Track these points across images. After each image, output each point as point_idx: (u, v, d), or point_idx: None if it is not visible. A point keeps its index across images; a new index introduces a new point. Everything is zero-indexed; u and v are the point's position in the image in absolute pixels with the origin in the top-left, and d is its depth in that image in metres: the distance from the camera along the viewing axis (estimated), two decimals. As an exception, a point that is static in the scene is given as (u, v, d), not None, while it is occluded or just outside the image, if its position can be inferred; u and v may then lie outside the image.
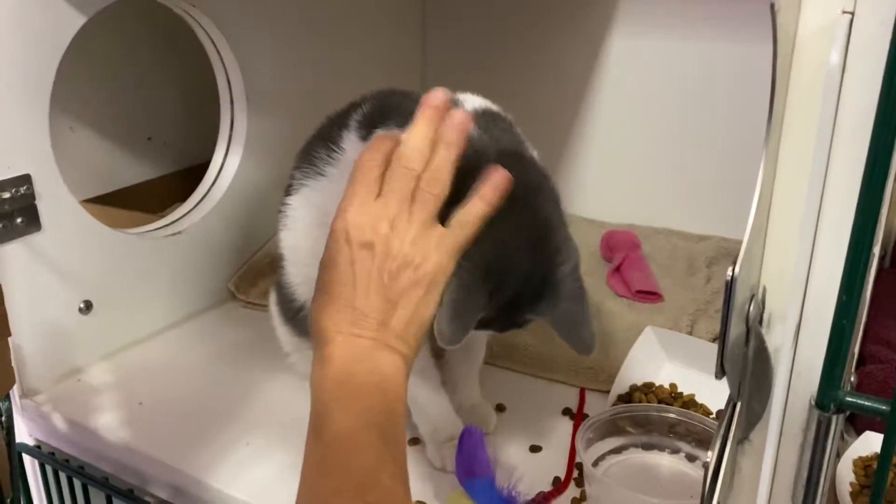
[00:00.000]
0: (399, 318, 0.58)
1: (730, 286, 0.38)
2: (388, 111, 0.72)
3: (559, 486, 0.75)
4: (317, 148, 0.78)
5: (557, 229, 0.67)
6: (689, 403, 0.84)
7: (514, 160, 0.66)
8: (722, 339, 0.40)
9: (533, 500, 0.72)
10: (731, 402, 0.45)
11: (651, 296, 1.09)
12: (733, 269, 0.38)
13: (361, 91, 0.80)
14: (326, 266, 0.60)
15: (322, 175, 0.77)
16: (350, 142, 0.75)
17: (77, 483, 0.88)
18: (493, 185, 0.62)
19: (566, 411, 0.87)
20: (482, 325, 0.66)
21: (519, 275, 0.65)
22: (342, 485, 0.52)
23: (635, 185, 1.35)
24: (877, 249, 0.55)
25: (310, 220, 0.79)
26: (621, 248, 1.18)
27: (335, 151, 0.76)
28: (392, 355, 0.58)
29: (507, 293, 0.65)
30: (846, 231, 0.40)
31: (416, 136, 0.61)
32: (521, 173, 0.64)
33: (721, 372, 0.41)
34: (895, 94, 0.36)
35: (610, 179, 1.37)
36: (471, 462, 0.71)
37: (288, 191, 0.82)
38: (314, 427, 0.55)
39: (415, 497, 0.72)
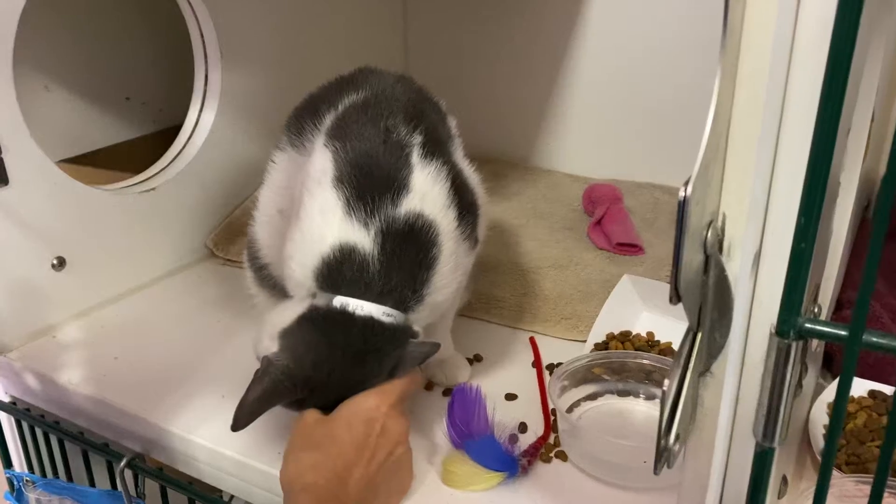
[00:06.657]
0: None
1: (682, 207, 0.37)
2: (359, 119, 0.71)
3: (543, 434, 0.74)
4: (305, 117, 0.77)
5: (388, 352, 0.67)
6: (666, 351, 0.83)
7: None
8: (675, 263, 0.39)
9: (525, 451, 0.71)
10: (690, 332, 0.44)
11: (632, 248, 1.08)
12: (685, 190, 0.37)
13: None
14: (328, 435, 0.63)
15: (303, 146, 0.76)
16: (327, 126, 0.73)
17: (53, 438, 0.88)
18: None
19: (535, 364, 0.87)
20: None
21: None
22: None
23: (618, 140, 1.34)
24: (842, 178, 0.55)
25: (280, 184, 0.79)
26: (603, 202, 1.17)
27: (316, 129, 0.74)
28: None
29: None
30: (806, 153, 0.39)
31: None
32: None
33: (676, 297, 0.40)
34: (853, 3, 0.35)
35: (593, 135, 1.36)
36: (468, 421, 0.70)
37: (276, 146, 0.82)
38: None
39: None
